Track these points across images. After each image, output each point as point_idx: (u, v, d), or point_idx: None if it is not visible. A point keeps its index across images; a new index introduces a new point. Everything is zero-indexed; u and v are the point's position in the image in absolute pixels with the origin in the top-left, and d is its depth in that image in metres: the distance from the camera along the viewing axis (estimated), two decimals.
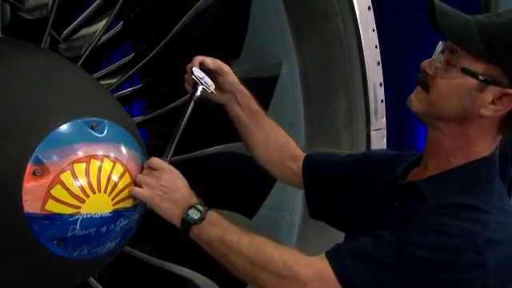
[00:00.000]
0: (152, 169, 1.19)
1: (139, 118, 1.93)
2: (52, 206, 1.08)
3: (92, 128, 1.16)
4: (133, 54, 2.06)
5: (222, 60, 1.33)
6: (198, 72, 1.27)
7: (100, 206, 1.13)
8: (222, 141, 1.84)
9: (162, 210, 1.16)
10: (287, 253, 1.08)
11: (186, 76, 1.31)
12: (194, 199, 1.18)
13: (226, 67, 1.32)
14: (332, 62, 1.74)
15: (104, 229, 1.15)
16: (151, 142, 2.13)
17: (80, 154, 1.12)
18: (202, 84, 1.27)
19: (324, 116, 1.81)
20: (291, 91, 1.88)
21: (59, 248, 1.12)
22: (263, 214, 1.84)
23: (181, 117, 1.28)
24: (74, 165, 1.10)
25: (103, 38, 1.80)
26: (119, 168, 1.16)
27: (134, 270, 1.63)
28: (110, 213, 1.14)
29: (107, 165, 1.15)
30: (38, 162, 1.08)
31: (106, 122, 1.18)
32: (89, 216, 1.11)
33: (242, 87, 1.34)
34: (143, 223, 1.30)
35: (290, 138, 1.40)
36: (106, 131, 1.17)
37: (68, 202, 1.09)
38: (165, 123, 2.04)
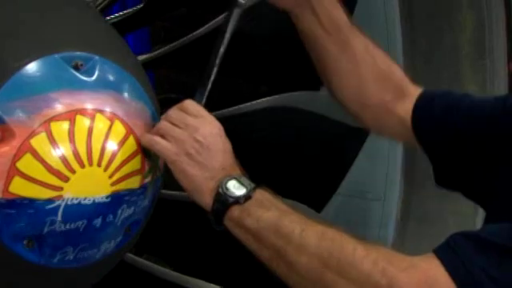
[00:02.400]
0: (184, 112, 1.21)
1: (143, 57, 1.96)
2: (19, 187, 1.11)
3: (76, 68, 1.18)
4: None
5: None
6: None
7: (92, 186, 1.16)
8: (270, 91, 1.86)
9: (188, 178, 1.18)
10: (376, 251, 1.09)
11: None
12: (238, 171, 1.20)
13: None
14: None
15: (98, 221, 1.17)
16: (162, 95, 2.17)
17: (59, 107, 1.14)
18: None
19: (437, 45, 1.79)
20: (381, 8, 1.86)
21: (31, 250, 1.15)
22: (338, 203, 1.87)
23: (214, 49, 1.30)
24: (52, 124, 1.13)
25: None
26: (120, 129, 1.19)
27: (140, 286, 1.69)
28: (106, 196, 1.17)
29: (101, 124, 1.17)
30: None
31: (97, 58, 1.20)
32: (75, 202, 1.14)
33: None
34: (153, 221, 1.34)
35: (394, 64, 1.39)
36: (96, 72, 1.19)
37: (44, 180, 1.12)
38: (182, 65, 2.08)
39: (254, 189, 1.17)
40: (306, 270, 1.10)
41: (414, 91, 1.37)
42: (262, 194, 1.17)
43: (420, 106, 1.34)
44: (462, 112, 1.30)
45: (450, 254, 1.05)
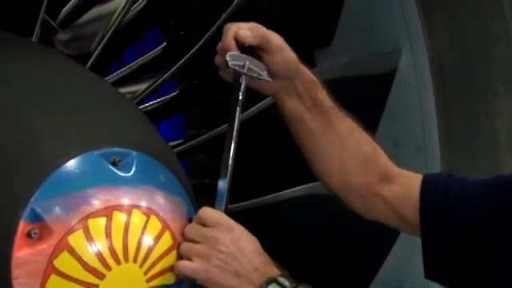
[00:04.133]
0: (202, 225, 1.22)
1: (178, 144, 2.00)
2: (56, 286, 1.12)
3: (114, 164, 1.20)
4: (164, 45, 2.14)
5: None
6: (236, 57, 1.29)
7: (128, 283, 1.16)
8: (303, 176, 1.87)
9: None
10: None
11: (216, 59, 1.33)
12: (274, 269, 1.19)
13: (275, 38, 1.32)
14: (485, 45, 1.73)
15: None
16: (196, 180, 2.19)
17: (97, 203, 1.16)
18: (245, 73, 1.28)
19: (473, 133, 1.79)
20: (417, 95, 1.88)
21: None
22: None
23: (227, 135, 1.31)
24: (89, 221, 1.14)
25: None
26: (156, 224, 1.20)
27: None
28: None
29: (138, 219, 1.18)
30: (35, 218, 1.12)
31: (135, 154, 1.23)
32: None
33: (303, 69, 1.35)
34: None
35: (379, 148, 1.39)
36: (134, 168, 1.21)
37: (80, 278, 1.13)
38: (217, 150, 2.10)
39: (297, 287, 1.17)
40: None
41: (399, 174, 1.37)
42: None
43: (427, 203, 1.32)
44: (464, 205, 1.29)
45: None
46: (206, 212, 1.24)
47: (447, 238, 1.30)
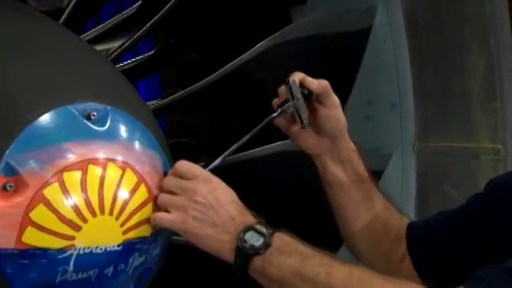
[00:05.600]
0: (180, 178, 1.24)
1: (155, 103, 2.00)
2: (32, 237, 1.13)
3: (88, 118, 1.20)
4: (140, 3, 2.13)
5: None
6: (296, 88, 1.33)
7: (104, 234, 1.18)
8: (281, 137, 1.89)
9: (203, 240, 1.20)
10: (404, 286, 1.11)
11: (280, 88, 1.37)
12: (250, 218, 1.21)
13: (334, 95, 1.37)
14: (459, 1, 1.75)
15: (110, 270, 1.19)
16: (173, 139, 2.20)
17: (72, 157, 1.17)
18: (295, 104, 1.32)
19: (447, 91, 1.81)
20: (392, 53, 1.90)
21: None
22: None
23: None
24: (64, 174, 1.15)
25: None
26: (131, 177, 1.21)
27: None
28: (118, 245, 1.19)
29: (113, 173, 1.19)
30: (10, 171, 1.13)
31: (109, 108, 1.23)
32: (87, 251, 1.16)
33: (348, 136, 1.40)
34: (167, 264, 1.36)
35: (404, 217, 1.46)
36: (108, 122, 1.22)
37: (56, 229, 1.14)
38: (193, 109, 2.11)
39: (272, 234, 1.18)
40: None
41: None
42: (280, 240, 1.18)
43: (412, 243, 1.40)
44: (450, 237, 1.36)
45: (482, 284, 1.06)
46: (183, 165, 1.26)
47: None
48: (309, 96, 1.35)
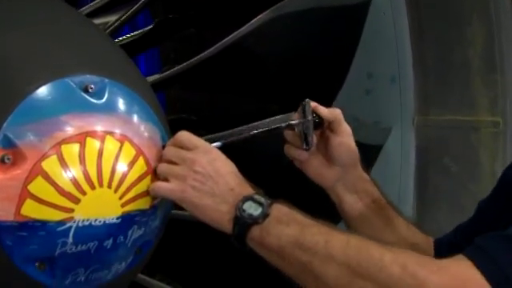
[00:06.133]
0: (180, 148, 1.24)
1: (153, 78, 2.00)
2: (31, 210, 1.14)
3: (86, 91, 1.21)
4: None
5: None
6: (308, 109, 1.34)
7: (102, 207, 1.18)
8: (281, 111, 1.89)
9: (201, 209, 1.21)
10: (404, 255, 1.10)
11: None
12: (249, 189, 1.22)
13: (346, 125, 1.38)
14: None
15: (109, 242, 1.20)
16: (173, 115, 2.20)
17: (70, 130, 1.17)
18: (304, 123, 1.33)
19: (447, 63, 1.81)
20: (391, 25, 1.89)
21: (43, 272, 1.18)
22: None
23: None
24: (62, 146, 1.16)
25: None
26: (129, 150, 1.21)
27: None
28: (117, 217, 1.20)
29: (111, 146, 1.20)
30: (8, 143, 1.13)
31: (107, 81, 1.24)
32: (86, 223, 1.17)
33: (360, 167, 1.40)
34: (166, 240, 1.37)
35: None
36: (106, 95, 1.22)
37: (55, 202, 1.15)
38: (192, 85, 2.11)
39: (271, 205, 1.18)
40: (334, 280, 1.11)
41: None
42: (279, 210, 1.18)
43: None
44: None
45: (481, 253, 1.06)
46: (184, 135, 1.26)
47: None
48: (320, 124, 1.35)
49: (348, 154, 1.38)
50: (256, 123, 1.37)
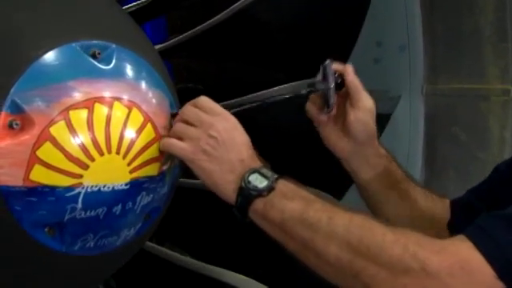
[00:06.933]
0: (198, 109, 1.24)
1: (159, 46, 1.99)
2: (40, 175, 1.14)
3: (94, 56, 1.21)
4: None
5: None
6: (330, 71, 1.33)
7: (111, 173, 1.19)
8: (288, 79, 1.88)
9: (208, 174, 1.21)
10: (406, 235, 1.09)
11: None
12: (259, 162, 1.22)
13: (368, 99, 1.36)
14: None
15: (118, 208, 1.21)
16: (180, 84, 2.20)
17: (77, 95, 1.17)
18: (326, 85, 1.32)
19: (457, 31, 1.80)
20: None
21: (52, 238, 1.18)
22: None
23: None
24: (70, 112, 1.16)
25: None
26: (138, 116, 1.22)
27: (162, 276, 1.72)
28: (125, 184, 1.20)
29: (119, 112, 1.20)
30: (16, 109, 1.14)
31: (115, 46, 1.23)
32: (95, 189, 1.17)
33: (377, 143, 1.39)
34: (175, 208, 1.37)
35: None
36: (114, 61, 1.22)
37: (63, 168, 1.15)
38: (199, 53, 2.10)
39: (277, 180, 1.18)
40: (335, 258, 1.11)
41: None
42: (284, 185, 1.18)
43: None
44: None
45: (482, 234, 1.05)
46: (204, 99, 1.26)
47: None
48: (340, 87, 1.34)
49: (364, 131, 1.37)
50: (270, 90, 1.36)
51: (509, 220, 1.06)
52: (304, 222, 1.14)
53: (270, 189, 1.17)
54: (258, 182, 1.18)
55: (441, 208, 1.43)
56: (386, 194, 1.41)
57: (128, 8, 2.05)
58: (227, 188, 1.20)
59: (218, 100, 1.39)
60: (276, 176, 1.19)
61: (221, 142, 1.21)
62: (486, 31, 1.78)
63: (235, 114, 1.28)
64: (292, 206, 1.16)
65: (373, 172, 1.40)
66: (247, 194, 1.18)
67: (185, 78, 2.36)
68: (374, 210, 1.44)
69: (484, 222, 1.07)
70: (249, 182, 1.18)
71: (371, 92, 1.38)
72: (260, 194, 1.17)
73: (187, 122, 1.23)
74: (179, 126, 1.24)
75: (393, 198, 1.41)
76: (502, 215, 1.07)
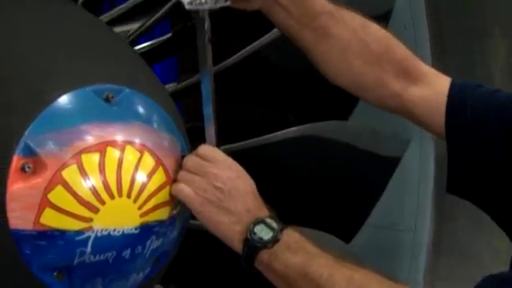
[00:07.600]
0: (201, 159, 1.25)
1: (171, 87, 2.00)
2: (50, 219, 1.15)
3: (107, 100, 1.22)
4: None
5: None
6: None
7: (121, 217, 1.19)
8: (297, 121, 1.89)
9: (215, 225, 1.22)
10: None
11: None
12: (265, 211, 1.22)
13: None
14: None
15: (127, 253, 1.20)
16: (189, 124, 2.19)
17: (90, 139, 1.17)
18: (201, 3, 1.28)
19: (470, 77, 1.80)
20: (412, 38, 1.91)
21: (61, 282, 1.18)
22: (368, 235, 1.87)
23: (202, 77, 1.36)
24: (82, 156, 1.16)
25: None
26: (149, 160, 1.22)
27: None
28: (135, 228, 1.20)
29: (131, 156, 1.20)
30: (29, 152, 1.14)
31: (128, 90, 1.24)
32: (105, 233, 1.17)
33: None
34: (182, 251, 1.37)
35: (397, 39, 1.33)
36: (126, 105, 1.23)
37: (74, 211, 1.16)
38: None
39: (282, 230, 1.20)
40: None
41: (424, 74, 1.32)
42: (289, 236, 1.19)
43: (453, 111, 1.28)
44: (496, 117, 1.25)
45: None
46: (206, 148, 1.27)
47: (471, 160, 1.27)
48: None
49: None
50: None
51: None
52: (306, 276, 1.16)
53: (274, 240, 1.19)
54: (264, 233, 1.19)
55: (380, 49, 1.32)
56: (301, 35, 1.33)
57: (140, 49, 2.06)
58: (234, 239, 1.21)
59: (227, 140, 1.39)
60: (281, 226, 1.20)
61: (227, 192, 1.22)
62: (496, 77, 1.78)
63: (239, 157, 1.28)
64: (295, 259, 1.17)
65: (284, 12, 1.31)
66: (253, 246, 1.19)
67: (193, 118, 2.36)
68: (306, 54, 1.36)
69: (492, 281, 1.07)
70: (254, 234, 1.19)
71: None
72: (265, 246, 1.19)
73: (191, 173, 1.24)
74: (185, 175, 1.24)
75: (310, 39, 1.32)
76: (506, 280, 1.08)
